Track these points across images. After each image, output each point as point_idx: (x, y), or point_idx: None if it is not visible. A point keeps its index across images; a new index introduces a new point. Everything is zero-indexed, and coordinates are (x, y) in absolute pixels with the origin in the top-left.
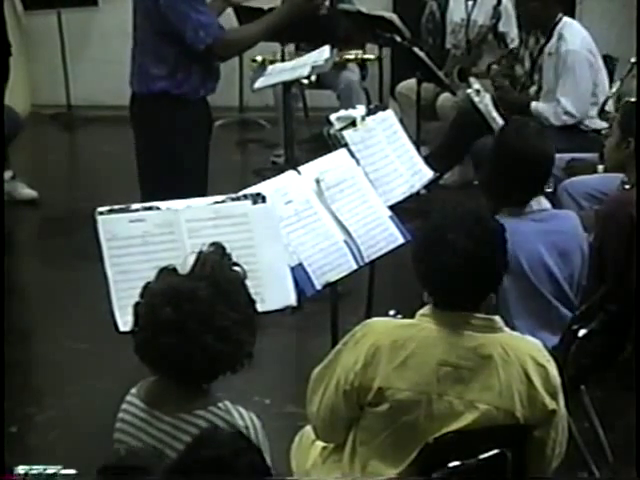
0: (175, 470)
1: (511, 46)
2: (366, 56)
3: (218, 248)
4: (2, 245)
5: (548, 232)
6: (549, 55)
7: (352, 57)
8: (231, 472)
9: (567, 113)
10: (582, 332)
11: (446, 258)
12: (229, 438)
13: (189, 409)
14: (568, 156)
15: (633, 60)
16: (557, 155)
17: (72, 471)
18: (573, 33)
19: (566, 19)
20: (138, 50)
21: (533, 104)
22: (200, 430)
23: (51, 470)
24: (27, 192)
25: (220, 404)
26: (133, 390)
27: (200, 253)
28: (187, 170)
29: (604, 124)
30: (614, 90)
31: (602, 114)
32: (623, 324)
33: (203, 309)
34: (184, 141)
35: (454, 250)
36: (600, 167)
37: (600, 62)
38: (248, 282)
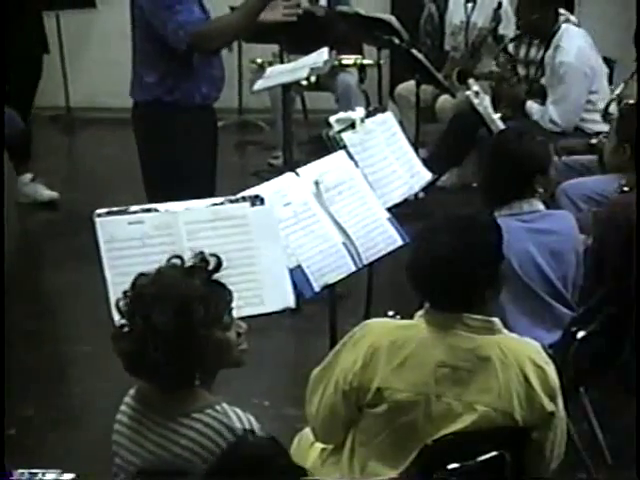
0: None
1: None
2: (365, 61)
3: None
4: (2, 246)
5: (538, 232)
6: (547, 64)
7: (351, 62)
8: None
9: (552, 121)
10: (581, 334)
11: (430, 257)
12: (265, 442)
13: (186, 412)
14: (571, 159)
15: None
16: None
17: (71, 475)
18: (570, 43)
19: (565, 26)
20: (134, 58)
21: (528, 103)
22: (197, 433)
23: (50, 475)
24: (48, 193)
25: (218, 407)
26: (131, 392)
27: (160, 269)
28: (188, 178)
29: (607, 127)
30: (617, 92)
31: (605, 116)
32: (622, 326)
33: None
34: (183, 148)
35: (438, 249)
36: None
37: (600, 67)
38: (247, 284)
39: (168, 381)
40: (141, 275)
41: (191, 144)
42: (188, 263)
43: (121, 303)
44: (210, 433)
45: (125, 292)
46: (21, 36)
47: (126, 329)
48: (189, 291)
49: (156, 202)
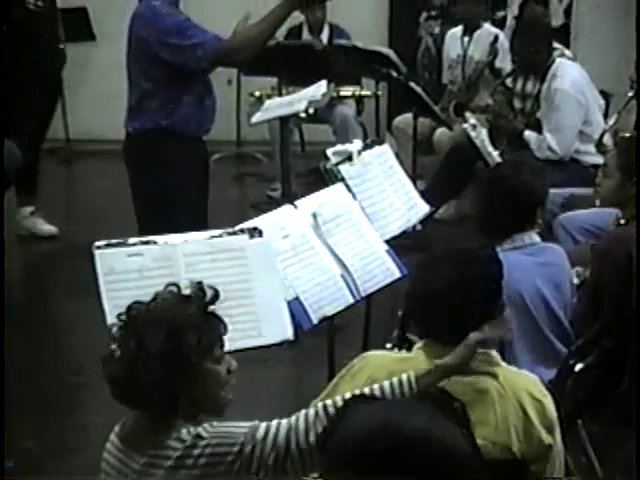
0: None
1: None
2: (363, 92)
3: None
4: (2, 249)
5: (543, 265)
6: (543, 97)
7: (349, 93)
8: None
9: (550, 149)
10: (578, 367)
11: (428, 289)
12: None
13: (161, 443)
14: (567, 191)
15: (630, 94)
16: (556, 190)
17: None
18: (564, 73)
19: (560, 60)
20: (130, 90)
21: (526, 132)
22: (173, 457)
23: None
24: (47, 228)
25: (205, 425)
26: (116, 428)
27: (156, 295)
28: (178, 207)
29: (601, 159)
30: (611, 123)
31: (599, 147)
32: (619, 359)
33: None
34: (174, 177)
35: (436, 281)
36: (598, 202)
37: (594, 100)
38: (245, 316)
39: (153, 408)
40: (136, 302)
41: (181, 175)
42: (185, 292)
43: (114, 328)
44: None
45: (119, 315)
46: (38, 70)
47: (117, 353)
48: (183, 318)
49: (146, 233)
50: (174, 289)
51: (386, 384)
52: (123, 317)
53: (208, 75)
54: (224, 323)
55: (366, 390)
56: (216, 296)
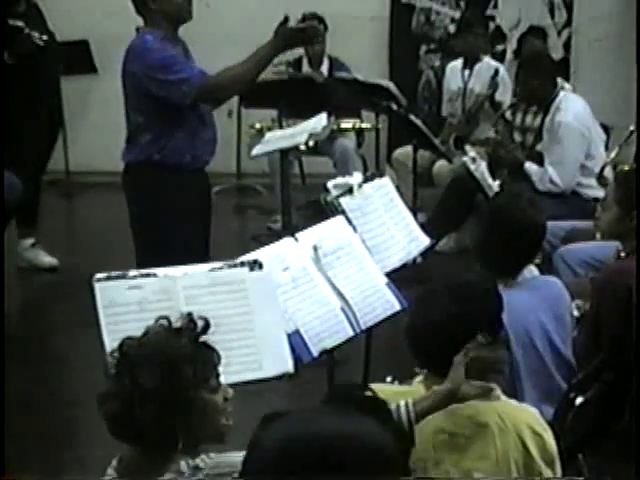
0: None
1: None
2: (363, 125)
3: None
4: (2, 281)
5: (544, 298)
6: (545, 129)
7: (349, 126)
8: None
9: (552, 182)
10: (579, 400)
11: (428, 322)
12: None
13: (160, 477)
14: (568, 224)
15: (632, 128)
16: (557, 223)
17: None
18: (568, 106)
19: (564, 93)
20: (126, 123)
21: (527, 164)
22: None
23: None
24: (48, 260)
25: (203, 456)
26: (113, 462)
27: (147, 330)
28: (175, 239)
29: (603, 192)
30: (612, 156)
31: (600, 180)
32: (620, 393)
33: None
34: (170, 209)
35: (436, 314)
36: (598, 235)
37: (597, 134)
38: (245, 349)
39: (152, 443)
40: (128, 338)
41: (178, 207)
42: (176, 324)
43: (108, 365)
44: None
45: (112, 353)
46: (40, 103)
47: (113, 390)
48: (176, 351)
49: (144, 265)
50: (165, 322)
51: None
52: (116, 354)
53: (202, 108)
54: (217, 353)
55: None
56: (207, 326)
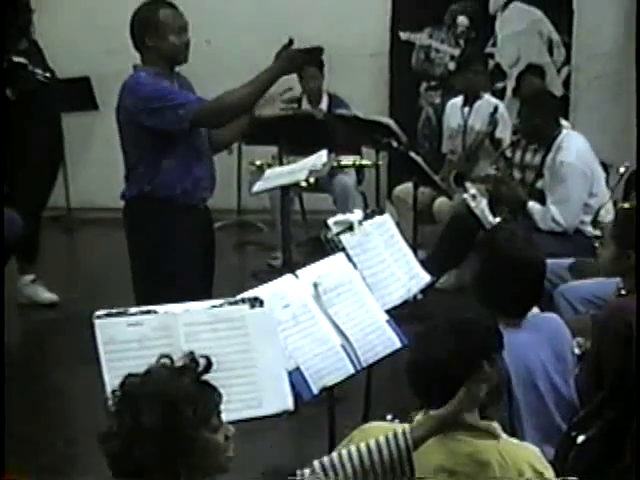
0: None
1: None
2: (363, 162)
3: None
4: (2, 317)
5: (545, 337)
6: (547, 167)
7: (349, 163)
8: None
9: (554, 221)
10: (580, 439)
11: (428, 359)
12: None
13: None
14: (568, 262)
15: (622, 170)
16: (558, 261)
17: None
18: (570, 145)
19: (566, 131)
20: (124, 159)
21: (530, 203)
22: None
23: None
24: (48, 296)
25: None
26: None
27: (149, 368)
28: (171, 275)
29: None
30: (607, 198)
31: (595, 223)
32: (621, 431)
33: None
34: (167, 245)
35: (436, 351)
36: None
37: (598, 171)
38: (245, 386)
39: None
40: (130, 375)
41: (174, 242)
42: (178, 363)
43: (109, 403)
44: None
45: (113, 391)
46: (40, 139)
47: (113, 429)
48: (178, 391)
49: (142, 302)
50: (167, 361)
51: (381, 437)
52: (117, 392)
53: (198, 143)
54: (219, 392)
55: (362, 445)
56: (209, 365)
